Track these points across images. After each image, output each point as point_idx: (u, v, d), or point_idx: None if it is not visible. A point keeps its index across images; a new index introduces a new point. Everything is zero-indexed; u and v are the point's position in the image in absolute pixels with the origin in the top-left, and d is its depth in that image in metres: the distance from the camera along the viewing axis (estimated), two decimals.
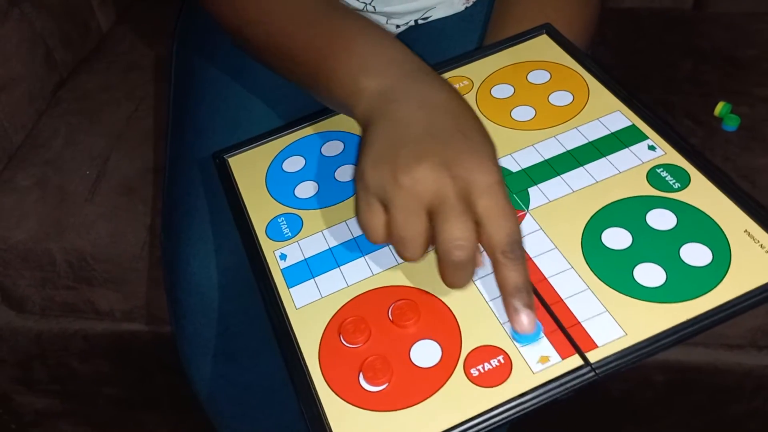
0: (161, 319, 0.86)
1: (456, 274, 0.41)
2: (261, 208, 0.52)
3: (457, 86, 0.57)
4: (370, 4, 0.71)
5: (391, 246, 0.47)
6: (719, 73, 0.95)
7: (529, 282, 0.41)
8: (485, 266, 0.44)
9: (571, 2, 0.65)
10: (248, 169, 0.55)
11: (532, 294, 0.41)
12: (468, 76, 0.58)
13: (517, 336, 0.41)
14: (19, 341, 0.91)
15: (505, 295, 0.41)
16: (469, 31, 0.72)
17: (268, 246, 0.49)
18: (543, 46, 0.59)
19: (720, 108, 0.88)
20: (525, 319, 0.40)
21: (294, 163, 0.55)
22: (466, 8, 0.74)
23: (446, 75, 0.59)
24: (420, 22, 0.74)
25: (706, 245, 0.43)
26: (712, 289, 0.41)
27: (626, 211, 0.46)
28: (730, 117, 0.87)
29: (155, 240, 0.80)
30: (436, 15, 0.74)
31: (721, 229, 0.43)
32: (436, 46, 0.71)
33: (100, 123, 0.91)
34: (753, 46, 0.99)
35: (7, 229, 0.82)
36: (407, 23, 0.75)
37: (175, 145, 0.70)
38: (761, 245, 0.42)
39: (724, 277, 0.41)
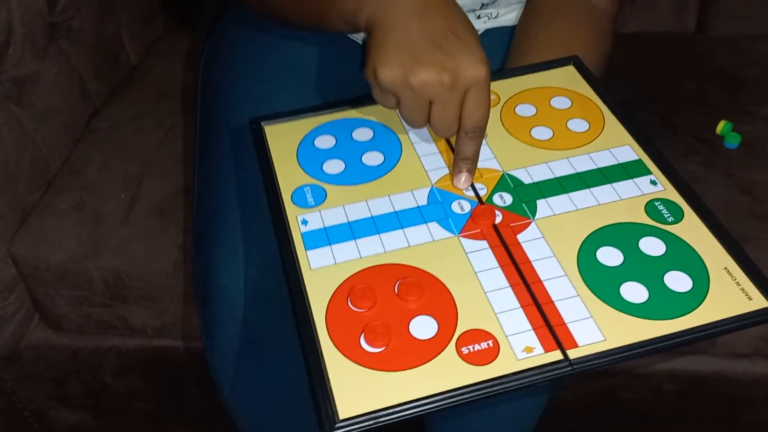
0: (191, 335, 0.90)
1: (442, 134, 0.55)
2: (289, 176, 0.57)
3: None
4: None
5: (404, 229, 0.52)
6: (722, 93, 0.98)
7: (477, 157, 0.55)
8: (487, 260, 0.49)
9: (590, 32, 0.70)
10: (282, 138, 0.60)
11: (476, 165, 0.55)
12: (496, 92, 0.63)
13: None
14: (56, 358, 0.94)
15: (456, 158, 0.54)
16: None
17: (291, 210, 0.54)
18: (569, 76, 0.64)
19: (721, 126, 0.91)
20: (464, 177, 0.54)
21: (325, 141, 0.60)
22: None
23: None
24: None
25: (689, 275, 0.48)
26: (688, 313, 0.45)
27: (622, 234, 0.50)
28: (732, 135, 0.90)
29: (187, 259, 0.83)
30: None
31: (704, 264, 0.48)
32: None
33: (132, 149, 0.96)
34: (753, 66, 1.02)
35: (47, 250, 0.86)
36: None
37: (204, 164, 0.73)
38: (737, 282, 0.47)
39: (699, 305, 0.46)
